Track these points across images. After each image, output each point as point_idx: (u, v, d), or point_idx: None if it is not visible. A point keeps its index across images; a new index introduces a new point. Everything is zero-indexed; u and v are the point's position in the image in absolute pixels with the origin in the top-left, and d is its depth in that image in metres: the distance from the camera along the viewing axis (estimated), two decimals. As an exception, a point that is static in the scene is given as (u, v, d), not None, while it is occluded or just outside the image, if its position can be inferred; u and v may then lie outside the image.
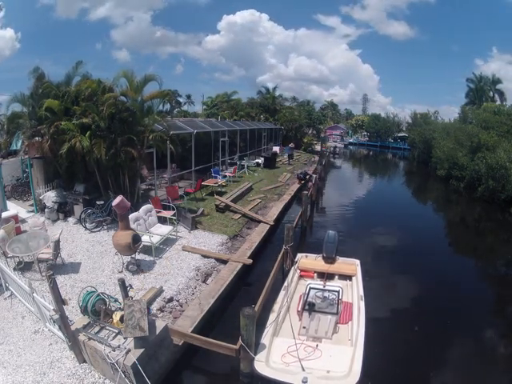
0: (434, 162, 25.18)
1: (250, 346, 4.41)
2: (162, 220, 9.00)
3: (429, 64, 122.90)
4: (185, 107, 54.93)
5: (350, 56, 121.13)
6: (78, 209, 9.16)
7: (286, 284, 6.21)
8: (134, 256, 6.85)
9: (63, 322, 4.08)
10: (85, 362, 4.36)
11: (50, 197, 9.33)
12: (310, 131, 43.48)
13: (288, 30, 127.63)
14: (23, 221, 8.83)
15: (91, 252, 7.51)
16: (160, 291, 6.11)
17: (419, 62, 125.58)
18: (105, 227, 8.85)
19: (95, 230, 8.69)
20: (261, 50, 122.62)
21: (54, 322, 4.17)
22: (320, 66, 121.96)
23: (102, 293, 4.60)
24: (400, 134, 54.00)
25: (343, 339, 4.94)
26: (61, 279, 6.13)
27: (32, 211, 9.84)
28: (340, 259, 7.18)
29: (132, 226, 7.08)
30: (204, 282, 6.69)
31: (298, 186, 16.69)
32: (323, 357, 4.42)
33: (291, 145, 27.68)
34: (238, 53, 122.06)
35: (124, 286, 4.54)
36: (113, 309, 4.53)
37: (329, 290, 5.54)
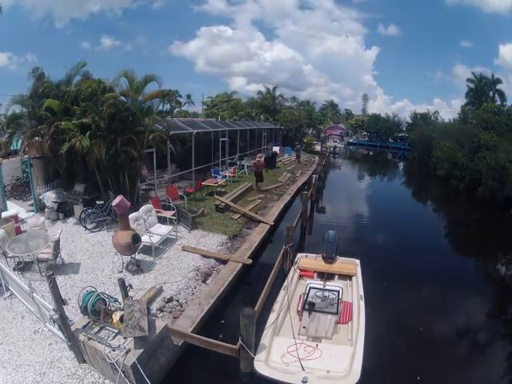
0: (434, 162, 25.18)
1: (250, 346, 4.41)
2: (162, 220, 9.00)
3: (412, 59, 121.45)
4: (185, 107, 54.90)
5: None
6: (78, 209, 9.16)
7: (285, 284, 6.21)
8: (133, 256, 6.85)
9: (63, 322, 4.07)
10: (84, 361, 4.35)
11: (49, 197, 9.33)
12: (310, 131, 43.47)
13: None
14: (23, 221, 8.83)
15: (91, 252, 7.50)
16: (160, 291, 6.11)
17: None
18: (105, 227, 8.85)
19: (95, 230, 8.68)
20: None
21: (53, 321, 4.17)
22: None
23: (101, 293, 4.60)
24: (400, 134, 53.97)
25: (343, 339, 4.94)
26: (61, 279, 6.13)
27: (32, 211, 9.85)
28: (340, 259, 7.18)
29: (132, 225, 7.07)
30: (204, 281, 6.69)
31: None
32: (323, 357, 4.42)
33: (297, 145, 27.88)
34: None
35: (124, 286, 4.54)
36: (112, 309, 4.53)
37: (329, 290, 5.52)
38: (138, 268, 6.77)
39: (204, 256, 7.70)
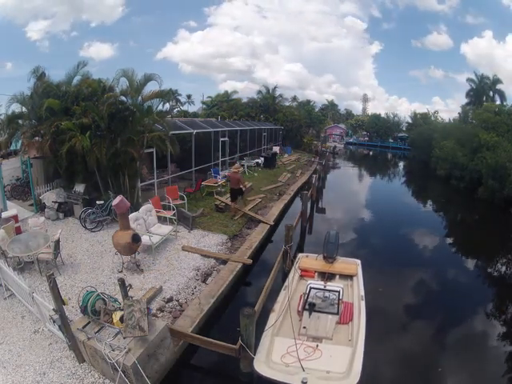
0: (434, 162, 25.16)
1: (250, 346, 4.41)
2: (162, 220, 9.00)
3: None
4: (185, 107, 54.79)
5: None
6: (78, 209, 9.16)
7: (286, 284, 6.21)
8: (133, 256, 6.85)
9: (63, 322, 4.07)
10: (84, 361, 4.35)
11: (49, 197, 9.33)
12: (310, 131, 43.44)
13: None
14: (23, 221, 8.81)
15: (91, 252, 7.50)
16: (160, 291, 6.11)
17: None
18: (105, 227, 8.84)
19: (95, 229, 8.68)
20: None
21: (53, 321, 4.17)
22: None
23: (101, 293, 4.60)
24: (400, 134, 53.94)
25: (343, 339, 4.93)
26: (61, 279, 6.13)
27: (32, 211, 9.84)
28: (341, 259, 7.17)
29: (132, 225, 7.07)
30: (204, 281, 6.69)
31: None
32: (323, 357, 4.41)
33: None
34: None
35: (124, 286, 4.54)
36: (112, 309, 4.52)
37: (329, 290, 5.52)
38: (138, 268, 6.77)
39: (204, 256, 7.70)
